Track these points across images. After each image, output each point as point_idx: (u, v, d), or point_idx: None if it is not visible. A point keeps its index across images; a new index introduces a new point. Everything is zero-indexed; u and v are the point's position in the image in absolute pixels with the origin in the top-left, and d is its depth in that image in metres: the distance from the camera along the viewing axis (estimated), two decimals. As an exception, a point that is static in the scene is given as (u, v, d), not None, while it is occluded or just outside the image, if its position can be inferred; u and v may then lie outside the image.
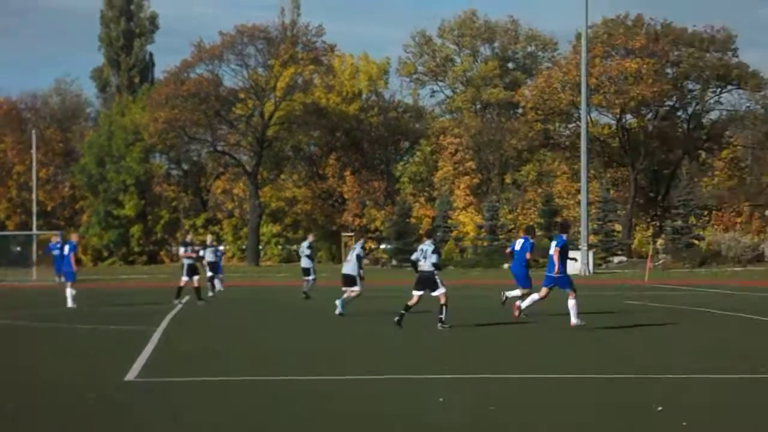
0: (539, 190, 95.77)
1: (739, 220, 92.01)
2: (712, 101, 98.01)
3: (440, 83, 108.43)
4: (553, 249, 24.30)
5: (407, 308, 24.58)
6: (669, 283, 51.87)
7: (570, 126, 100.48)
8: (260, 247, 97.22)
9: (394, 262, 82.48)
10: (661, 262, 77.05)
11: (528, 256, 27.72)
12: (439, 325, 24.00)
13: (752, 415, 12.19)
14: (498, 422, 11.79)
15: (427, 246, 24.77)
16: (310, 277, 37.47)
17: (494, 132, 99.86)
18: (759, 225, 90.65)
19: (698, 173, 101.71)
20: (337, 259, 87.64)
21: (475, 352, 19.48)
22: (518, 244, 28.30)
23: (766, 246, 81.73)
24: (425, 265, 24.51)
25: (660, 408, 12.47)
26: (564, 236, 24.84)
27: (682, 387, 14.55)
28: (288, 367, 17.05)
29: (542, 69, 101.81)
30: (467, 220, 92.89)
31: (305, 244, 38.86)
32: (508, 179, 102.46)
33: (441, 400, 13.24)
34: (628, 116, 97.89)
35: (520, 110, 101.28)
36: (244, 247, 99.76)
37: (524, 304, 25.91)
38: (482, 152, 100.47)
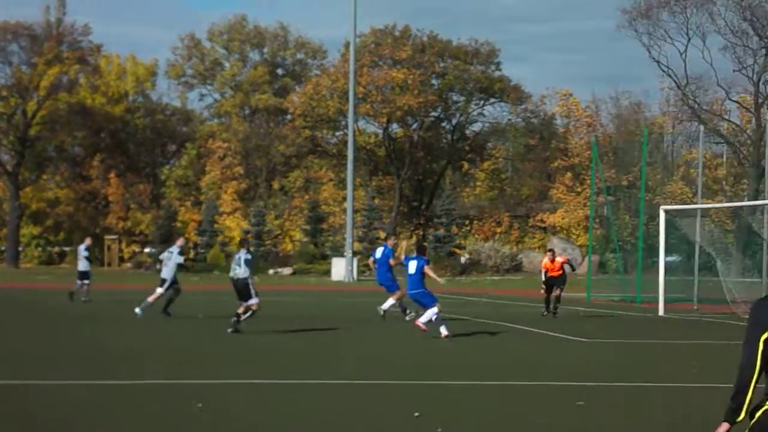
0: (306, 197, 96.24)
1: (498, 230, 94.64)
2: (475, 113, 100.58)
3: (209, 87, 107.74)
4: (426, 268, 24.50)
5: (238, 316, 24.78)
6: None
7: (337, 134, 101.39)
8: (20, 248, 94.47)
9: (158, 266, 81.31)
10: (423, 269, 78.42)
11: (391, 262, 28.36)
12: (233, 320, 24.40)
13: (508, 416, 12.58)
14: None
15: (242, 254, 25.31)
16: (86, 281, 36.84)
17: (262, 137, 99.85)
18: (518, 235, 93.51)
19: (461, 183, 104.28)
20: (100, 261, 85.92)
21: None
22: (378, 252, 28.87)
23: (524, 256, 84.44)
24: (239, 273, 24.94)
25: (417, 414, 12.73)
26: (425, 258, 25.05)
27: (438, 392, 14.88)
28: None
29: (311, 76, 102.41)
30: (234, 225, 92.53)
31: (83, 247, 38.01)
32: (275, 185, 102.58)
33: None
34: (395, 125, 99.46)
35: (288, 116, 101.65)
36: (2, 248, 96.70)
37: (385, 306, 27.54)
38: (250, 157, 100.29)
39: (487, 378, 16.59)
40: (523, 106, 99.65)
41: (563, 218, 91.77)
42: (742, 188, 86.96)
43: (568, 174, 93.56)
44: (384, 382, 15.86)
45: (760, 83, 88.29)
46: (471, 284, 63.43)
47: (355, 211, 76.88)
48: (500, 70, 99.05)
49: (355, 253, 72.88)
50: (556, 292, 31.96)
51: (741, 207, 55.81)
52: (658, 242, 36.06)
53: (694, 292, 39.10)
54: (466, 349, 21.97)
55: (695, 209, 39.42)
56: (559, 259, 32.88)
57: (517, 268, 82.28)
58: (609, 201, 62.04)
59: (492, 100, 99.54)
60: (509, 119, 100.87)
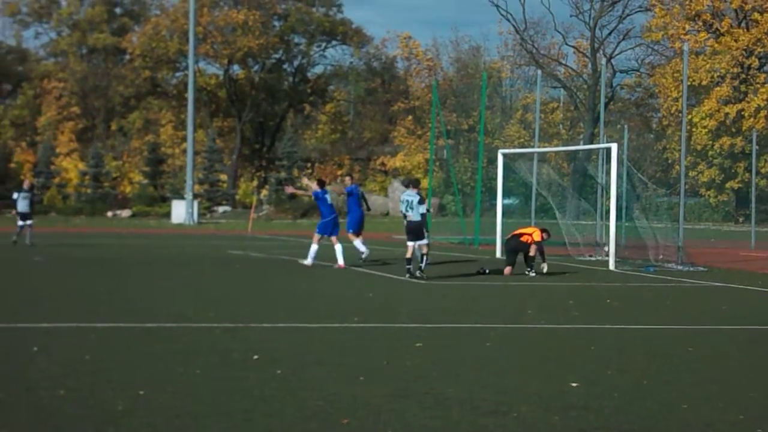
0: (145, 138, 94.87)
1: (340, 172, 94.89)
2: (317, 56, 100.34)
3: (45, 25, 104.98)
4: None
5: (408, 261, 25.03)
6: (271, 234, 52.88)
7: (177, 75, 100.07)
8: None
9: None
10: (264, 212, 78.32)
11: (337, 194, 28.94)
12: (418, 272, 24.63)
13: (341, 359, 12.67)
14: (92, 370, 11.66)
15: (411, 197, 25.05)
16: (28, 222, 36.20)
17: (100, 78, 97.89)
18: (359, 178, 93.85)
19: (303, 126, 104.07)
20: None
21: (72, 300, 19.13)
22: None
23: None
24: (413, 216, 24.93)
25: (256, 357, 12.73)
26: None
27: (274, 335, 14.92)
28: None
29: (150, 16, 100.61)
30: (71, 167, 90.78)
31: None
32: (114, 126, 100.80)
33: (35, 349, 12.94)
34: (236, 67, 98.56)
35: (127, 57, 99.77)
36: None
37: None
38: (88, 98, 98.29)
39: (326, 320, 16.67)
40: (364, 49, 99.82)
41: (404, 161, 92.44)
42: (578, 132, 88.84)
43: (409, 117, 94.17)
44: (221, 325, 15.80)
45: (597, 28, 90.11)
46: (312, 227, 63.43)
47: (195, 153, 76.11)
48: (342, 12, 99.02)
49: (195, 196, 72.23)
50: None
51: (577, 151, 57.02)
52: (496, 185, 36.62)
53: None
54: (310, 291, 22.02)
55: (532, 153, 40.09)
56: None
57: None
58: (449, 144, 62.67)
59: (334, 42, 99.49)
60: (351, 62, 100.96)
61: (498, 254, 35.04)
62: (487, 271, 27.22)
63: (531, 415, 9.76)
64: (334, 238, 28.35)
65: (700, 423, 9.59)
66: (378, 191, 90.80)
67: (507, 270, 27.03)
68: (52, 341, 13.92)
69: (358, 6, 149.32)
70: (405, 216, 25.42)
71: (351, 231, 29.44)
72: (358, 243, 29.38)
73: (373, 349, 13.73)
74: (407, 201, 25.32)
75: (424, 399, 10.39)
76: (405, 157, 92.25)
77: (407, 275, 25.07)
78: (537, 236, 27.32)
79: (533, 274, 26.80)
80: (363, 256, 29.43)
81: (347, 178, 31.74)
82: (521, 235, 27.72)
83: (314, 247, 28.22)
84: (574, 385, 11.19)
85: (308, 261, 28.10)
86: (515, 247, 27.48)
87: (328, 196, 28.67)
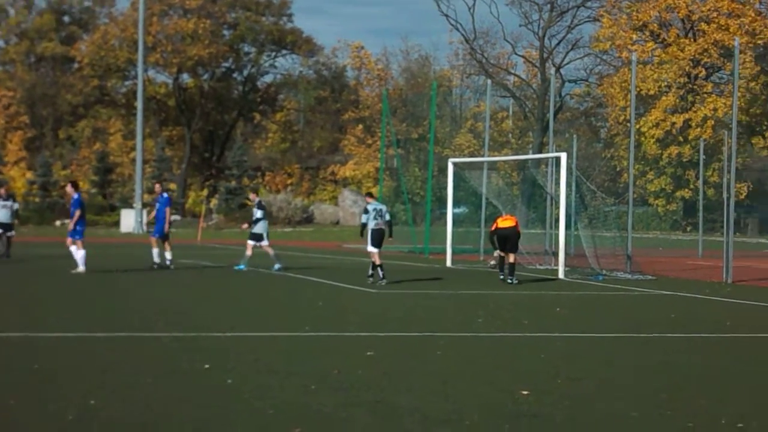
0: (94, 147, 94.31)
1: (290, 181, 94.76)
2: (267, 65, 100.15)
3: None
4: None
5: (375, 266, 26.25)
6: (221, 243, 52.74)
7: (127, 83, 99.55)
8: None
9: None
10: (213, 221, 78.08)
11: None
12: (374, 279, 26.18)
13: (292, 368, 12.66)
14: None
15: (380, 206, 26.52)
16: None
17: (49, 86, 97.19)
18: (309, 187, 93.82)
19: (252, 135, 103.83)
20: None
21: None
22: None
23: (316, 207, 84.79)
24: (382, 224, 26.27)
25: (207, 366, 12.70)
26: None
27: (225, 344, 14.88)
28: None
29: (99, 24, 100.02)
30: (18, 176, 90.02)
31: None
32: (62, 135, 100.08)
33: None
34: (185, 76, 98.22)
35: (75, 65, 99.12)
36: None
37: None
38: (36, 107, 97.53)
39: (277, 329, 16.65)
40: (315, 58, 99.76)
41: (354, 170, 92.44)
42: (527, 141, 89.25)
43: (359, 126, 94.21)
44: (174, 335, 15.73)
45: (545, 38, 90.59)
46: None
47: (144, 162, 75.74)
48: (292, 21, 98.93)
49: (144, 205, 71.84)
50: None
51: (526, 160, 57.31)
52: (446, 194, 36.73)
53: (481, 243, 39.98)
54: (260, 300, 21.98)
55: (482, 162, 40.26)
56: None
57: (309, 219, 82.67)
58: (399, 153, 62.79)
59: (284, 51, 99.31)
60: (301, 71, 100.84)
61: (449, 263, 35.14)
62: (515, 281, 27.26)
63: (482, 423, 9.80)
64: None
65: (650, 431, 9.68)
66: (328, 200, 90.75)
67: (512, 257, 27.36)
68: (1, 351, 13.81)
69: (308, 15, 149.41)
70: (374, 225, 26.35)
71: (156, 236, 31.27)
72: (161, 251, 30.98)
73: (325, 357, 13.74)
74: (378, 210, 26.46)
75: (376, 408, 10.41)
76: (355, 166, 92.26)
77: (384, 281, 26.01)
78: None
79: (516, 282, 27.08)
80: (162, 263, 30.86)
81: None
82: (512, 224, 28.10)
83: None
84: (524, 393, 11.25)
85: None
86: (510, 234, 27.65)
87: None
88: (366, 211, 26.62)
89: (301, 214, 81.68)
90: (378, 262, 26.31)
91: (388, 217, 26.67)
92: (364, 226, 26.69)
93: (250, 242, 31.18)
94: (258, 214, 31.13)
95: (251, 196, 34.23)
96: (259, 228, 31.05)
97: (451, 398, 10.99)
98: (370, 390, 11.36)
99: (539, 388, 11.60)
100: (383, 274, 26.26)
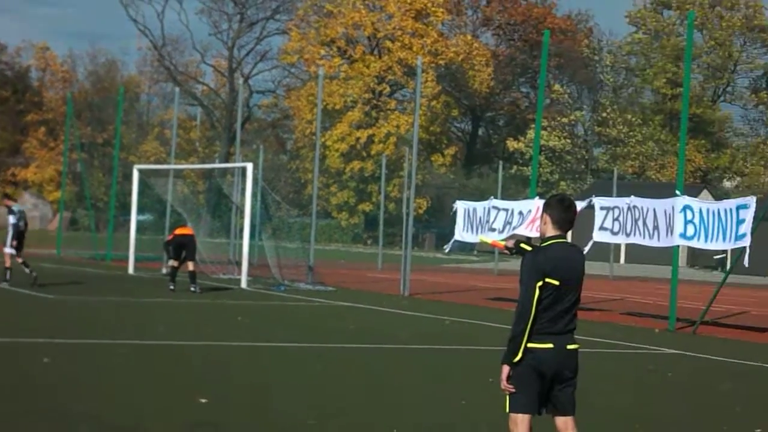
0: None
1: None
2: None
3: None
4: None
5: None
6: None
7: None
8: None
9: None
10: None
11: None
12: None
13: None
14: None
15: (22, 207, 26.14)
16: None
17: None
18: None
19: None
20: None
21: None
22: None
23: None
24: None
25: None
26: None
27: None
28: None
29: None
30: None
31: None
32: None
33: None
34: None
35: None
36: None
37: None
38: None
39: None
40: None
41: (36, 173, 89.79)
42: (214, 150, 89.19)
43: (42, 128, 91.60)
44: None
45: (234, 48, 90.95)
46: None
47: None
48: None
49: None
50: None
51: (213, 169, 57.26)
52: (131, 200, 36.28)
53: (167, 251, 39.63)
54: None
55: (168, 169, 40.01)
56: None
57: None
58: (83, 158, 61.46)
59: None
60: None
61: (131, 270, 34.74)
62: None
63: (160, 430, 9.81)
64: None
65: (323, 436, 9.97)
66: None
67: (191, 265, 27.55)
68: None
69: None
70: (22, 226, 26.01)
71: None
72: None
73: (0, 364, 13.40)
74: (22, 211, 26.26)
75: (52, 416, 10.25)
76: (37, 170, 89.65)
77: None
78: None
79: (199, 291, 27.02)
80: None
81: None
82: (190, 232, 28.22)
83: None
84: (203, 401, 11.33)
85: None
86: (187, 242, 27.72)
87: None
88: (12, 212, 26.07)
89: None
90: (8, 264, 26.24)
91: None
92: (15, 226, 25.98)
93: None
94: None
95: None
96: None
97: (129, 406, 10.95)
98: (47, 398, 11.17)
99: (218, 396, 11.70)
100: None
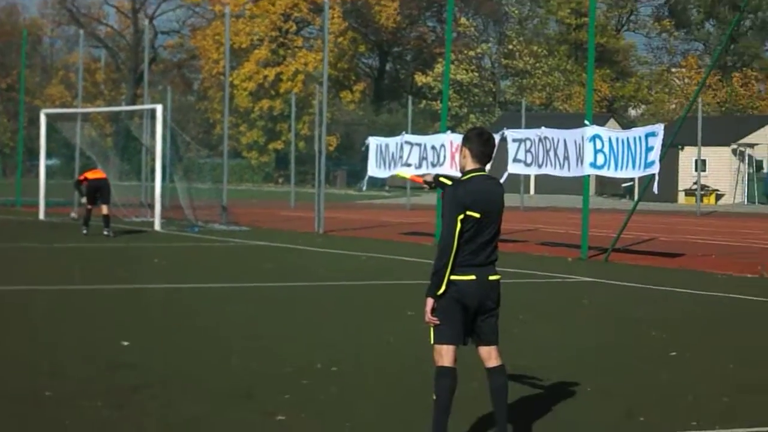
0: None
1: None
2: None
3: None
4: None
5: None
6: None
7: None
8: None
9: None
10: None
11: None
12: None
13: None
14: None
15: None
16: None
17: None
18: None
19: None
20: None
21: None
22: None
23: None
24: None
25: None
26: None
27: None
28: None
29: None
30: None
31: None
32: None
33: None
34: None
35: None
36: None
37: None
38: None
39: None
40: None
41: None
42: (120, 93, 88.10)
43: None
44: None
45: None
46: None
47: None
48: None
49: None
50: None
51: (119, 112, 56.61)
52: (37, 146, 35.78)
53: (75, 196, 39.27)
54: None
55: (76, 113, 39.47)
56: None
57: None
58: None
59: None
60: None
61: (41, 216, 34.36)
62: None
63: (83, 373, 9.82)
64: None
65: (247, 376, 10.03)
66: None
67: (105, 209, 26.95)
68: None
69: None
70: None
71: None
72: None
73: None
74: None
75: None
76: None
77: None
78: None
79: (112, 235, 26.73)
80: None
81: None
82: (103, 176, 27.71)
83: None
84: (125, 343, 11.33)
85: None
86: (102, 186, 27.08)
87: None
88: None
89: None
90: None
91: None
92: None
93: None
94: None
95: None
96: None
97: (49, 349, 10.93)
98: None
99: (138, 338, 11.70)
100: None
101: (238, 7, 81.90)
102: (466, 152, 7.49)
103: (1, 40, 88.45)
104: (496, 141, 10.39)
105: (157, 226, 30.19)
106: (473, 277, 7.30)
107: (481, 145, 7.46)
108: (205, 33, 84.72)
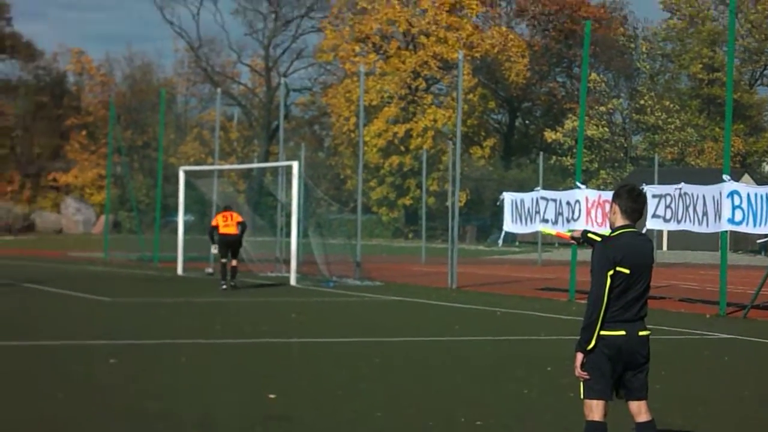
0: None
1: (10, 189, 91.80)
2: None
3: None
4: None
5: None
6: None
7: None
8: None
9: None
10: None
11: None
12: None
13: (34, 379, 12.58)
14: None
15: None
16: None
17: None
18: (30, 195, 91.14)
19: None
20: None
21: None
22: None
23: (37, 215, 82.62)
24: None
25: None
26: None
27: None
28: None
29: None
30: None
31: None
32: None
33: None
34: None
35: None
36: None
37: None
38: None
39: (12, 339, 16.38)
40: (35, 63, 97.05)
41: (77, 177, 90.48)
42: (252, 149, 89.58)
43: (83, 132, 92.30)
44: None
45: (270, 47, 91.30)
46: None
47: None
48: (12, 26, 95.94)
49: None
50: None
51: (252, 168, 57.69)
52: (171, 202, 36.58)
53: (210, 251, 40.02)
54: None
55: (213, 170, 40.33)
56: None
57: (30, 228, 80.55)
58: (125, 161, 62.01)
59: (2, 56, 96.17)
60: (20, 76, 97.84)
61: (180, 271, 35.09)
62: None
63: (236, 426, 10.05)
64: None
65: (393, 429, 10.15)
66: (50, 208, 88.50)
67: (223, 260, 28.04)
68: None
69: (29, 19, 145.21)
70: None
71: None
72: None
73: (69, 366, 13.66)
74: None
75: (128, 415, 10.50)
76: (78, 173, 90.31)
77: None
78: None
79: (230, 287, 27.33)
80: None
81: None
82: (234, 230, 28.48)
83: None
84: (272, 396, 11.56)
85: None
86: (228, 242, 27.93)
87: None
88: None
89: (22, 222, 79.41)
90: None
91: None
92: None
93: None
94: None
95: None
96: None
97: (201, 403, 11.18)
98: (119, 397, 11.43)
99: (286, 391, 11.92)
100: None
101: (369, 65, 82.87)
102: (616, 208, 7.59)
103: (139, 99, 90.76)
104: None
105: (293, 281, 30.59)
106: (623, 332, 7.38)
107: (632, 201, 7.56)
108: (336, 91, 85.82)
